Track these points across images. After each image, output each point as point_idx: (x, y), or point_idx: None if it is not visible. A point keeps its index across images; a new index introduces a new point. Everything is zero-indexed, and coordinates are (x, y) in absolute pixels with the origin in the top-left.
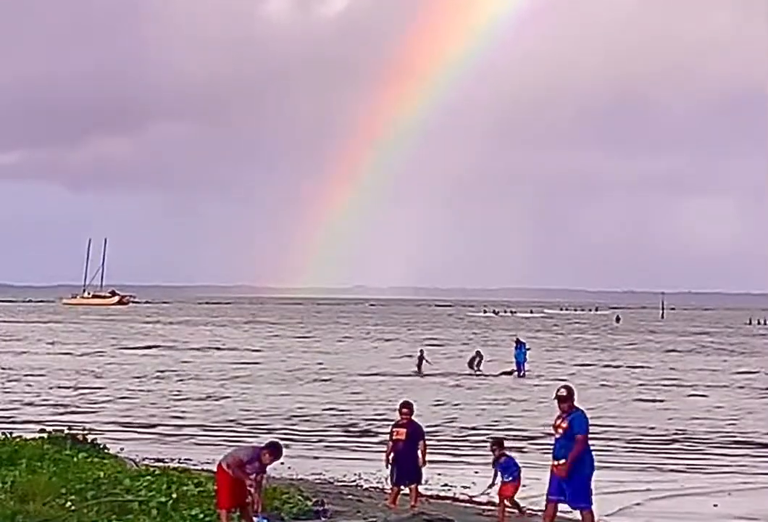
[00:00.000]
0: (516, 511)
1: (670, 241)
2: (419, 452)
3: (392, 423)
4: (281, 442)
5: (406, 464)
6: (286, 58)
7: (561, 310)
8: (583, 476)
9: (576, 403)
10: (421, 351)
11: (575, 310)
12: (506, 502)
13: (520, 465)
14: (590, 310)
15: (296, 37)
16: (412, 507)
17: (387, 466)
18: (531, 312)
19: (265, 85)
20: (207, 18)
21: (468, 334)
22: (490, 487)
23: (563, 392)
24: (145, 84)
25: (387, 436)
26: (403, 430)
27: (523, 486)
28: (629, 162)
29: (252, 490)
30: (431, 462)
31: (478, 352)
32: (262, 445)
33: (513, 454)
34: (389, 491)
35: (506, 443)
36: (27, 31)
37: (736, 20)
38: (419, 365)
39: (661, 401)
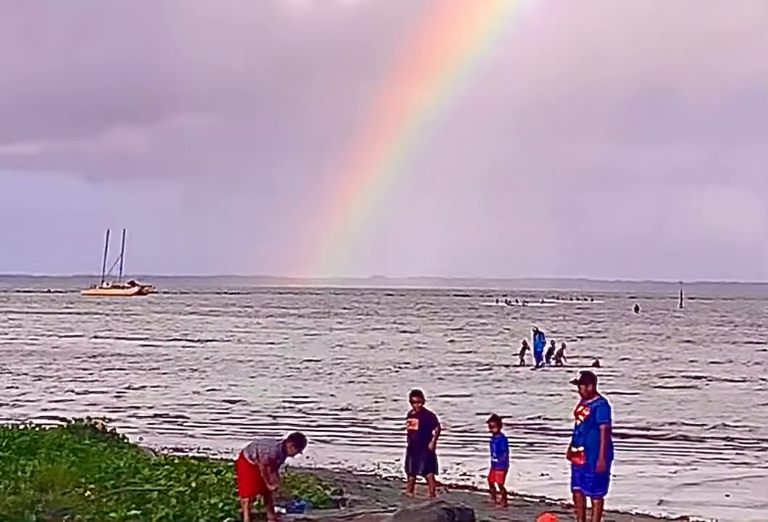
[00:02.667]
0: (500, 497)
1: (689, 231)
2: (432, 439)
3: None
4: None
5: (420, 454)
6: (308, 50)
7: (556, 299)
8: (607, 465)
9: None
10: (524, 342)
11: (571, 299)
12: (496, 487)
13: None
14: (585, 299)
15: (317, 29)
16: (431, 496)
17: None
18: (542, 301)
19: (286, 76)
20: (229, 10)
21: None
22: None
23: (579, 376)
24: (166, 75)
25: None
26: (416, 421)
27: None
28: (649, 154)
29: (274, 489)
30: (452, 453)
31: (524, 342)
32: (285, 437)
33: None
34: (407, 481)
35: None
36: (48, 23)
37: (761, 10)
38: (521, 355)
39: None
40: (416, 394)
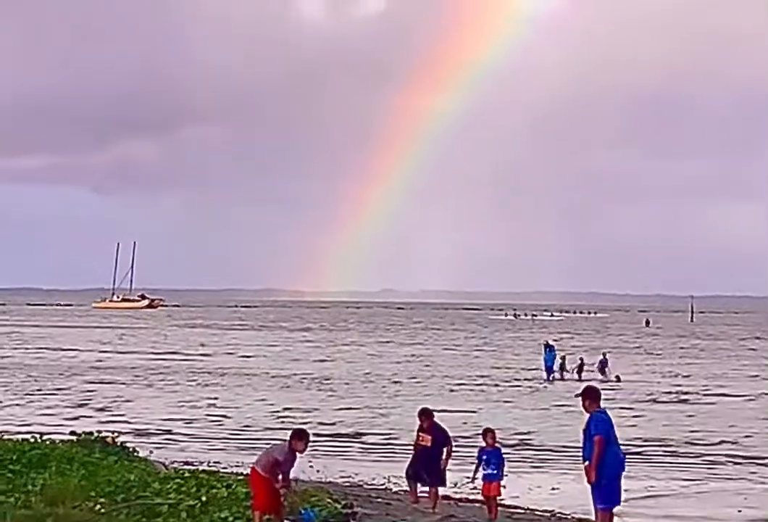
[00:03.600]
0: (491, 510)
1: (701, 244)
2: (443, 457)
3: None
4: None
5: (427, 466)
6: (317, 60)
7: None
8: (602, 477)
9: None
10: (581, 359)
11: (574, 312)
12: (492, 498)
13: None
14: (589, 312)
15: (330, 38)
16: (433, 508)
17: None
18: (551, 315)
19: (298, 86)
20: (241, 20)
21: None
22: (473, 480)
23: (579, 391)
24: (174, 87)
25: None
26: (429, 437)
27: None
28: (660, 165)
29: (287, 491)
30: (464, 468)
31: (562, 358)
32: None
33: None
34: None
35: None
36: (54, 35)
37: None
38: (579, 372)
39: None
40: (424, 412)
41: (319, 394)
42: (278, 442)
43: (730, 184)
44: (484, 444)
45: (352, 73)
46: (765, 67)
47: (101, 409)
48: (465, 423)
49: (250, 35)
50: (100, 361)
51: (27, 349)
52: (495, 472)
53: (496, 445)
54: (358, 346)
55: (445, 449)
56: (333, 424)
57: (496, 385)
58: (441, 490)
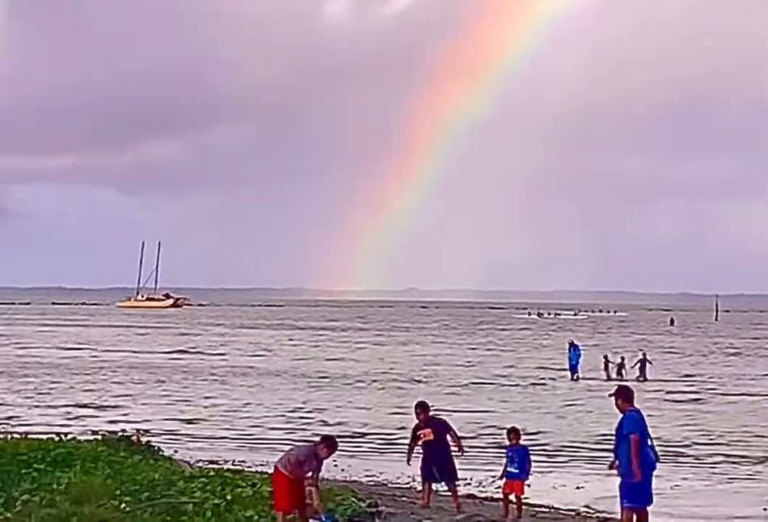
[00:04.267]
0: (516, 508)
1: (724, 243)
2: (452, 445)
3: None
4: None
5: (438, 461)
6: (344, 61)
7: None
8: (628, 476)
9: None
10: (606, 356)
11: (593, 312)
12: (512, 498)
13: None
14: (608, 312)
15: (354, 39)
16: (456, 507)
17: (408, 464)
18: (575, 314)
19: (322, 87)
20: (266, 21)
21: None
22: (501, 477)
23: (613, 391)
24: (201, 87)
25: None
26: (428, 430)
27: None
28: (684, 165)
29: (313, 489)
30: (488, 467)
31: (605, 357)
32: (316, 441)
33: None
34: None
35: None
36: (83, 37)
37: None
38: (619, 371)
39: None
40: (419, 406)
41: (338, 393)
42: (302, 443)
43: (753, 182)
44: (508, 443)
45: (376, 73)
46: None
47: (116, 408)
48: (479, 422)
49: (276, 35)
50: (118, 360)
51: (48, 348)
52: (517, 471)
53: (521, 443)
54: (380, 345)
55: (449, 436)
56: (348, 422)
57: (517, 385)
58: (465, 489)
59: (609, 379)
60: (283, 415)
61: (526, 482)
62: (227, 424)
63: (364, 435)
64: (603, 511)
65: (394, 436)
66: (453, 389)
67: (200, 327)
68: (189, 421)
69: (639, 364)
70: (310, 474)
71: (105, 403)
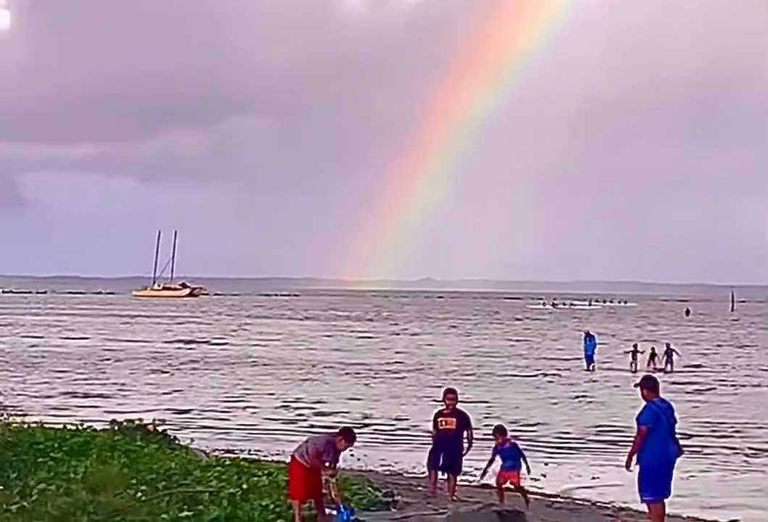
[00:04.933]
0: (523, 499)
1: (741, 234)
2: (465, 441)
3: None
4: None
5: (451, 453)
6: (362, 52)
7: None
8: (641, 467)
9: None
10: (653, 348)
11: (605, 302)
12: (509, 486)
13: None
14: (620, 302)
15: (371, 30)
16: (451, 495)
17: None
18: (589, 304)
19: (340, 78)
20: (284, 12)
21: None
22: (484, 473)
23: (639, 381)
24: (220, 78)
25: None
26: (453, 420)
27: None
28: (702, 157)
29: (332, 479)
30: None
31: (634, 346)
32: (334, 432)
33: None
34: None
35: None
36: (103, 27)
37: None
38: (651, 362)
39: None
40: (451, 391)
41: (349, 384)
42: (320, 434)
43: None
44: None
45: (393, 66)
46: None
47: (117, 397)
48: (486, 413)
49: (293, 27)
50: (127, 349)
51: (60, 337)
52: (512, 464)
53: (511, 440)
54: (387, 335)
55: (466, 432)
56: (353, 413)
57: (534, 376)
58: (482, 480)
59: (636, 370)
60: (287, 406)
61: (524, 473)
62: (228, 414)
63: (367, 425)
64: (617, 502)
65: (394, 426)
66: (464, 379)
67: (215, 316)
68: (184, 412)
69: (666, 356)
70: (327, 464)
71: (108, 392)
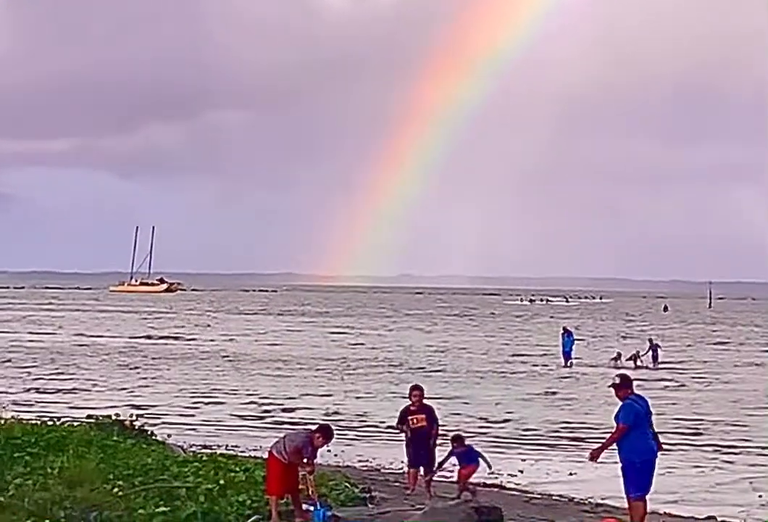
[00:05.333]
0: (468, 492)
1: (719, 230)
2: (434, 436)
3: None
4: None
5: (425, 449)
6: (342, 48)
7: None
8: (626, 464)
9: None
10: (638, 351)
11: (577, 298)
12: (460, 481)
13: None
14: (593, 298)
15: (352, 26)
16: (428, 492)
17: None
18: (567, 300)
19: (320, 73)
20: (265, 8)
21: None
22: (436, 470)
23: (616, 380)
24: (199, 72)
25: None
26: (422, 416)
27: None
28: (679, 152)
29: (310, 476)
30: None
31: (637, 352)
32: (312, 429)
33: None
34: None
35: None
36: (83, 21)
37: None
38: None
39: None
40: (417, 388)
41: (321, 380)
42: (298, 430)
43: (749, 169)
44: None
45: (375, 59)
46: None
47: (94, 392)
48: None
49: (274, 22)
50: (100, 344)
51: (34, 333)
52: (468, 463)
53: (466, 444)
54: (362, 331)
55: (435, 427)
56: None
57: (511, 372)
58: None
59: (617, 367)
60: (255, 402)
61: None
62: (195, 410)
63: (334, 421)
64: (594, 497)
65: (364, 423)
66: (438, 375)
67: (190, 312)
68: (151, 407)
69: (651, 352)
70: (305, 461)
71: (75, 388)
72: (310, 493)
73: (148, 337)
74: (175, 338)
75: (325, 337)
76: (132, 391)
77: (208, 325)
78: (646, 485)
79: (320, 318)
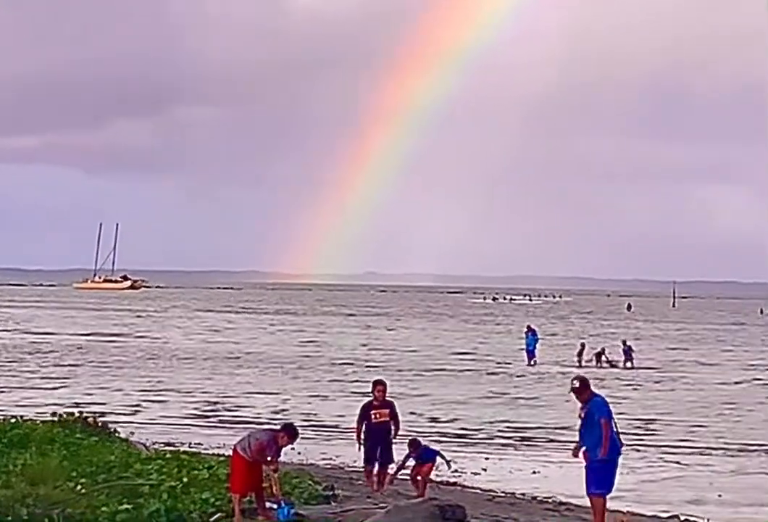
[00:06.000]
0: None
1: (684, 229)
2: (394, 430)
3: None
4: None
5: (383, 444)
6: (309, 44)
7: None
8: (593, 461)
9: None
10: (582, 344)
11: (539, 296)
12: (422, 479)
13: None
14: (553, 296)
15: (318, 22)
16: (382, 488)
17: (360, 449)
18: (530, 299)
19: (287, 70)
20: (232, 5)
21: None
22: (397, 471)
23: (576, 384)
24: (166, 68)
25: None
26: (386, 411)
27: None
28: (645, 150)
29: (274, 474)
30: (444, 451)
31: (582, 345)
32: (277, 428)
33: None
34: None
35: None
36: (51, 16)
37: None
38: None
39: None
40: (381, 383)
41: (273, 377)
42: (263, 428)
43: (715, 169)
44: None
45: (342, 57)
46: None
47: (67, 390)
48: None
49: (243, 18)
50: (47, 342)
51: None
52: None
53: (422, 446)
54: (321, 329)
55: (396, 422)
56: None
57: (473, 370)
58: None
59: (581, 366)
60: (203, 400)
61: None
62: (140, 407)
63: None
64: (557, 496)
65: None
66: (399, 375)
67: (150, 309)
68: (98, 404)
69: (624, 355)
70: (269, 459)
71: (16, 386)
72: (274, 491)
73: (104, 334)
74: (131, 336)
75: (283, 335)
76: (80, 388)
77: (164, 323)
78: (610, 483)
79: (281, 316)
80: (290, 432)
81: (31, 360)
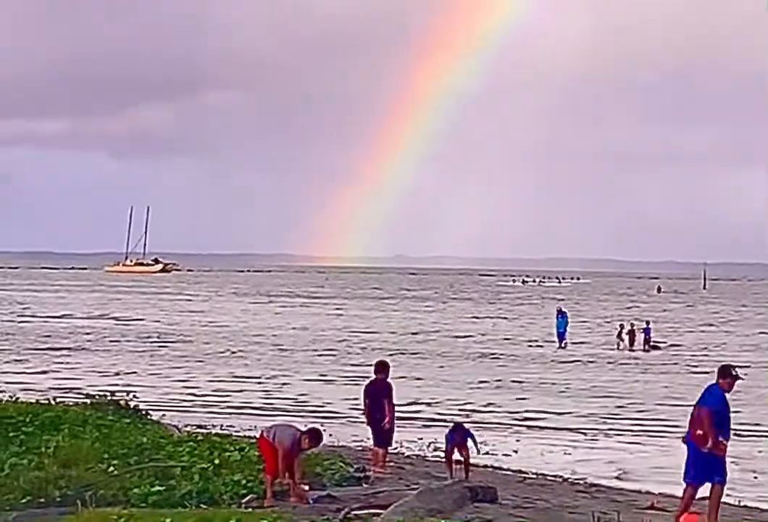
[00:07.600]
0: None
1: (714, 211)
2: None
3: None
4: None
5: (389, 424)
6: (336, 27)
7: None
8: (701, 452)
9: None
10: (621, 325)
11: (570, 279)
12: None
13: None
14: (572, 279)
15: (344, 5)
16: (383, 468)
17: (370, 426)
18: (559, 281)
19: (313, 53)
20: None
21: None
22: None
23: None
24: (192, 53)
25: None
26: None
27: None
28: (676, 135)
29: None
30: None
31: (621, 326)
32: (304, 429)
33: None
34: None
35: None
36: (75, 3)
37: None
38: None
39: None
40: (383, 364)
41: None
42: (291, 426)
43: (744, 152)
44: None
45: (367, 41)
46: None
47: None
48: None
49: (269, 3)
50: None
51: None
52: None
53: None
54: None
55: (390, 404)
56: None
57: (505, 354)
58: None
59: (620, 348)
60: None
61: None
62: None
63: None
64: (587, 477)
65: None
66: (429, 360)
67: (185, 292)
68: (190, 387)
69: (645, 335)
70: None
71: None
72: (299, 491)
73: (114, 318)
74: (136, 320)
75: (308, 319)
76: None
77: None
78: (703, 475)
79: (309, 299)
80: (313, 435)
81: (54, 343)
